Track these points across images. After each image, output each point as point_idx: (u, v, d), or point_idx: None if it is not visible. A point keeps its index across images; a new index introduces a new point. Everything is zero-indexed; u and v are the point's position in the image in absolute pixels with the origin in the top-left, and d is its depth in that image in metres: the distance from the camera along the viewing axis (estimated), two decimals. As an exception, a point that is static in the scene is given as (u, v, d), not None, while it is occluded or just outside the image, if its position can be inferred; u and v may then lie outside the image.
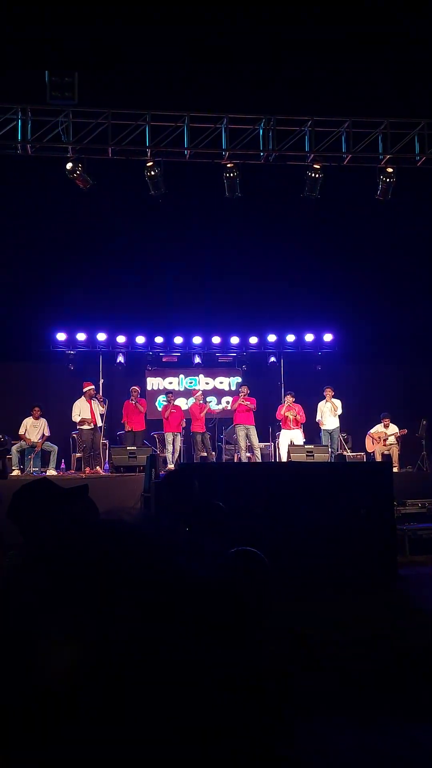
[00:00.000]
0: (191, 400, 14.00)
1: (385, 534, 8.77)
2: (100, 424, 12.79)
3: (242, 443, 13.07)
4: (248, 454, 13.08)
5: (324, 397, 13.36)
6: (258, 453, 13.13)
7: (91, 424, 12.61)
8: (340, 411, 13.29)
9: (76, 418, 12.67)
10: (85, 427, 12.56)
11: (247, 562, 2.09)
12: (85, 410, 12.70)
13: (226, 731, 0.53)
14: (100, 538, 0.57)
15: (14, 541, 2.32)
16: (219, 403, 15.12)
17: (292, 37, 12.45)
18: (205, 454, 13.29)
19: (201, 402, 13.68)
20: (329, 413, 13.25)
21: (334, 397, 13.34)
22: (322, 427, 13.35)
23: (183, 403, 14.42)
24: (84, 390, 12.86)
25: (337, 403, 13.30)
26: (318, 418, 13.38)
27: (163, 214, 13.21)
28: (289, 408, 13.20)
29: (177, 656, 0.53)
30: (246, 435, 13.03)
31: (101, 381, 14.03)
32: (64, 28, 11.60)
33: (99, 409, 12.82)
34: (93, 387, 13.04)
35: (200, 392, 14.14)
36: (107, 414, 13.27)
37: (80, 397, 12.84)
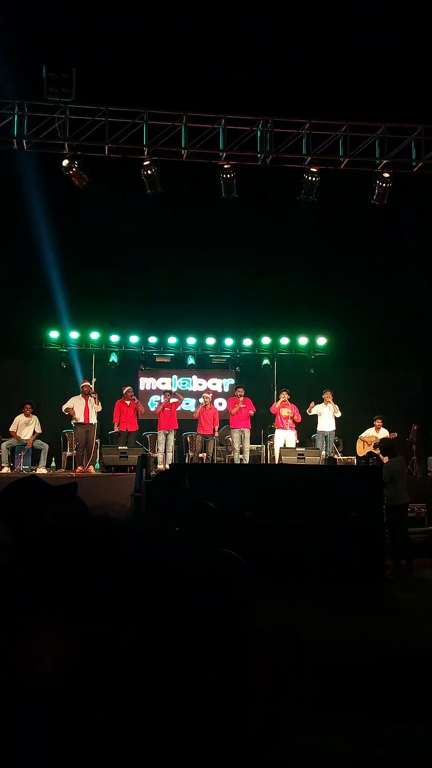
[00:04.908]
0: (185, 401, 13.80)
1: (373, 537, 8.81)
2: (93, 421, 12.75)
3: (236, 445, 13.05)
4: (240, 456, 13.05)
5: (322, 400, 13.30)
6: (247, 455, 13.11)
7: (83, 421, 12.58)
8: (339, 414, 13.22)
9: (64, 408, 12.64)
10: (80, 421, 12.53)
11: (225, 564, 2.06)
12: (79, 407, 12.67)
13: (217, 731, 0.52)
14: (88, 536, 0.57)
15: (2, 539, 2.30)
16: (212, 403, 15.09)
17: (292, 39, 12.49)
18: (203, 455, 13.16)
19: (210, 405, 13.34)
20: (329, 416, 13.20)
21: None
22: (319, 429, 13.32)
23: (189, 405, 14.34)
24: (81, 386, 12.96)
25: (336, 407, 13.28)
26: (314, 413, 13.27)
27: (159, 213, 13.21)
28: (284, 405, 13.13)
29: (167, 654, 0.52)
30: (240, 437, 13.02)
31: (93, 380, 14.01)
32: (63, 24, 11.59)
33: (95, 407, 12.79)
34: (88, 384, 13.02)
35: (210, 394, 13.75)
36: (100, 413, 13.21)
37: (78, 394, 12.90)
